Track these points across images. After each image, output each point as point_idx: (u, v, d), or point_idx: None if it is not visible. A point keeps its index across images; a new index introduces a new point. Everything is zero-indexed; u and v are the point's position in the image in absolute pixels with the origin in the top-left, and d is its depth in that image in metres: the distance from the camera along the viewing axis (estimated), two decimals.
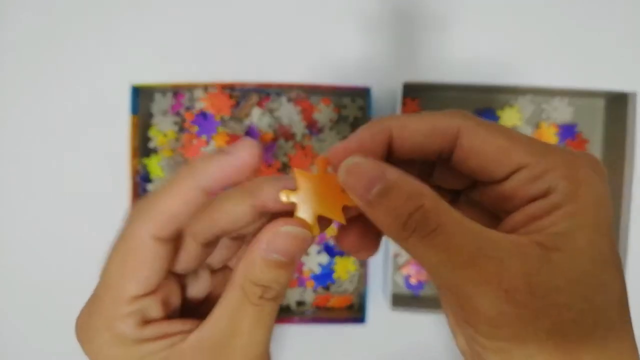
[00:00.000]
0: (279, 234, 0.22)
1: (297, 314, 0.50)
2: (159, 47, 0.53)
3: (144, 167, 0.49)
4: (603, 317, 0.18)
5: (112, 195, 0.51)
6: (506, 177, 0.21)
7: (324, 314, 0.50)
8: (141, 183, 0.49)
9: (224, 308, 0.22)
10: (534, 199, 0.20)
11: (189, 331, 0.23)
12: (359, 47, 0.52)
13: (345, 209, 0.23)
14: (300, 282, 0.51)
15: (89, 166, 0.53)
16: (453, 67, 0.52)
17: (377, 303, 0.51)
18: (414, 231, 0.19)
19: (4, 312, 0.54)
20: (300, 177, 0.22)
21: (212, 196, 0.23)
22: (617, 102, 0.49)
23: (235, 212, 0.22)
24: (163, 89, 0.50)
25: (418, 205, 0.19)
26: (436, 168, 0.25)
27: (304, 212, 0.22)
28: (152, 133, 0.50)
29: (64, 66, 0.53)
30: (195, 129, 0.50)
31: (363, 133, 0.22)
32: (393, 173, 0.20)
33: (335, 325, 0.51)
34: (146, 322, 0.23)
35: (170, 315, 0.24)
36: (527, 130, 0.51)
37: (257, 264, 0.22)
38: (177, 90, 0.51)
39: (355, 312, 0.50)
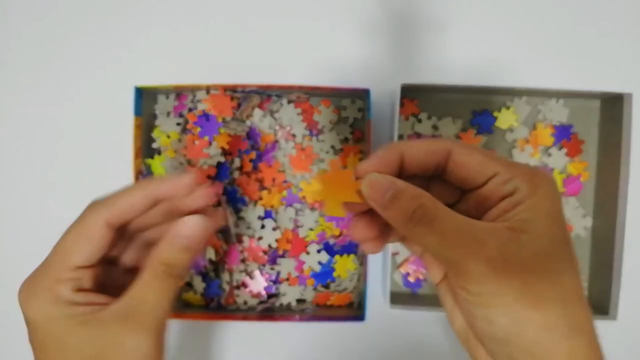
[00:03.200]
0: (184, 222, 0.30)
1: (297, 311, 0.51)
2: (162, 49, 0.54)
3: (148, 167, 0.50)
4: (557, 277, 0.25)
5: None
6: (485, 182, 0.28)
7: (324, 312, 0.50)
8: None
9: (137, 284, 0.29)
10: (504, 197, 0.27)
11: (109, 303, 0.29)
12: (359, 50, 0.53)
13: (348, 204, 0.29)
14: (301, 280, 0.52)
15: (93, 167, 0.54)
16: (450, 69, 0.53)
17: (377, 301, 0.52)
18: (418, 222, 0.25)
19: (9, 311, 0.55)
20: (319, 177, 0.30)
21: (157, 204, 0.32)
22: (612, 103, 0.50)
23: (132, 198, 0.30)
24: (166, 91, 0.51)
25: (419, 203, 0.26)
26: (432, 183, 0.31)
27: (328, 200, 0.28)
28: (155, 134, 0.51)
29: (68, 68, 0.54)
30: (198, 130, 0.51)
31: (382, 153, 0.28)
32: (401, 182, 0.26)
33: (335, 323, 0.51)
34: (79, 290, 0.29)
35: (96, 290, 0.30)
36: (524, 132, 0.52)
37: (166, 246, 0.29)
38: (179, 92, 0.51)
39: (354, 310, 0.51)
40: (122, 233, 0.32)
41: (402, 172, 0.29)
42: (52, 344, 0.28)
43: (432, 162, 0.29)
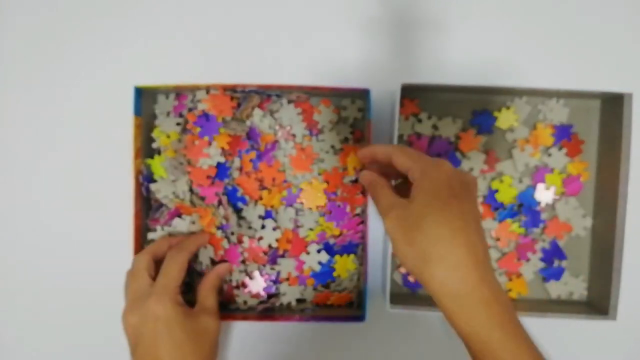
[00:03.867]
0: (220, 266, 0.50)
1: (297, 311, 0.51)
2: (162, 49, 0.54)
3: (148, 167, 0.50)
4: (430, 230, 0.35)
5: (116, 195, 0.52)
6: (407, 172, 0.39)
7: (324, 312, 0.51)
8: (145, 183, 0.50)
9: (201, 295, 0.48)
10: (411, 180, 0.39)
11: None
12: (359, 50, 0.53)
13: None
14: (301, 281, 0.52)
15: (94, 166, 0.54)
16: (450, 69, 0.53)
17: (376, 301, 0.52)
18: (370, 190, 0.42)
19: (10, 311, 0.55)
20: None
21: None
22: (612, 103, 0.50)
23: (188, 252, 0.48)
24: (166, 91, 0.51)
25: (370, 181, 0.42)
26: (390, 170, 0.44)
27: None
28: (155, 134, 0.51)
29: (68, 68, 0.54)
30: (198, 130, 0.50)
31: (369, 149, 0.43)
32: (366, 173, 0.43)
33: (335, 323, 0.51)
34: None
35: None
36: (524, 131, 0.52)
37: (213, 276, 0.49)
38: (179, 92, 0.51)
39: (354, 310, 0.51)
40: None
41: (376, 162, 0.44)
42: (177, 327, 0.43)
43: (386, 160, 0.41)
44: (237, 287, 0.52)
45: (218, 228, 0.51)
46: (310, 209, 0.51)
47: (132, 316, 0.43)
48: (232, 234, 0.51)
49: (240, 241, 0.51)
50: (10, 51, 0.54)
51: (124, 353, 0.44)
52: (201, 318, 0.45)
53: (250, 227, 0.51)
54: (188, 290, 0.51)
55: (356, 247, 0.52)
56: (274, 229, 0.51)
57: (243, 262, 0.52)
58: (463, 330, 0.35)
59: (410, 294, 0.53)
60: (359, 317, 0.48)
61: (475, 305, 0.34)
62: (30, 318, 0.55)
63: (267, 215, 0.51)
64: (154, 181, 0.50)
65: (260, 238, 0.51)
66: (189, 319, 0.44)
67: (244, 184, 0.51)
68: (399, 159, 0.39)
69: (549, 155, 0.52)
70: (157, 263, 0.47)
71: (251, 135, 0.51)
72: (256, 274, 0.52)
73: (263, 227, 0.51)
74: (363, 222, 0.51)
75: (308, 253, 0.51)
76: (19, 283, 0.55)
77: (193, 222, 0.50)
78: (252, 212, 0.51)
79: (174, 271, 0.45)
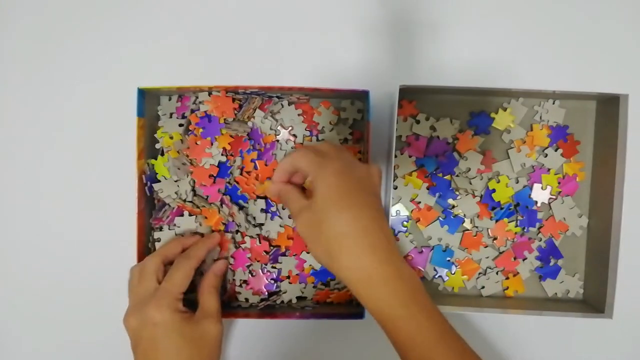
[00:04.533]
0: (218, 265, 0.50)
1: (298, 309, 0.51)
2: (165, 51, 0.54)
3: (151, 167, 0.51)
4: (328, 222, 0.40)
5: (120, 195, 0.52)
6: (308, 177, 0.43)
7: (324, 310, 0.51)
8: (148, 183, 0.50)
9: (203, 299, 0.48)
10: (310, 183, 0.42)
11: (188, 312, 0.46)
12: (358, 52, 0.54)
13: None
14: (301, 278, 0.53)
15: (98, 167, 0.54)
16: (448, 71, 0.53)
17: None
18: (281, 199, 0.45)
19: (11, 311, 0.56)
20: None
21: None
22: (608, 104, 0.50)
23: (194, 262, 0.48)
24: (169, 92, 0.52)
25: (278, 190, 0.45)
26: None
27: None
28: (158, 135, 0.52)
29: (71, 70, 0.54)
30: (200, 130, 0.51)
31: (285, 163, 0.44)
32: (271, 187, 0.46)
33: (335, 320, 0.52)
34: (180, 304, 0.46)
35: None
36: (521, 132, 0.53)
37: (212, 277, 0.49)
38: (182, 94, 0.52)
39: (354, 308, 0.52)
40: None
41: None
42: (174, 333, 0.43)
43: (295, 169, 0.44)
44: (240, 284, 0.53)
45: (225, 228, 0.52)
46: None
47: (133, 319, 0.44)
48: (237, 232, 0.52)
49: (242, 242, 0.52)
50: (13, 52, 0.55)
51: (125, 353, 0.45)
52: (201, 323, 0.45)
53: (255, 220, 0.52)
54: (191, 289, 0.52)
55: None
56: (281, 225, 0.52)
57: (248, 266, 0.53)
58: (372, 311, 0.39)
59: None
60: (359, 315, 0.48)
61: (377, 285, 0.38)
62: (32, 318, 0.56)
63: (268, 205, 0.52)
64: (157, 181, 0.51)
65: (265, 238, 0.52)
66: (188, 325, 0.44)
67: (242, 182, 0.52)
68: (301, 166, 0.43)
69: (545, 155, 0.53)
70: (168, 265, 0.48)
71: (253, 136, 0.52)
72: (258, 271, 0.52)
73: (270, 218, 0.52)
74: None
75: (309, 252, 0.52)
76: (21, 283, 0.55)
77: (200, 224, 0.51)
78: (255, 208, 0.52)
79: (178, 278, 0.46)
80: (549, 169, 0.53)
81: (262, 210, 0.52)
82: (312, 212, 0.40)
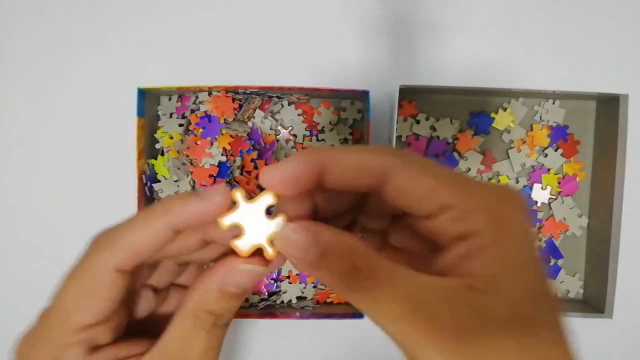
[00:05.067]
0: (237, 270, 0.24)
1: (298, 309, 0.51)
2: (165, 51, 0.54)
3: (151, 168, 0.51)
4: (532, 353, 0.19)
5: (120, 195, 0.52)
6: (432, 215, 0.22)
7: (325, 309, 0.51)
8: (148, 183, 0.50)
9: (175, 332, 0.25)
10: (460, 238, 0.21)
11: (138, 354, 0.25)
12: (358, 52, 0.54)
13: (273, 243, 0.24)
14: (301, 278, 0.53)
15: (97, 168, 0.55)
16: (448, 71, 0.53)
17: None
18: (350, 287, 0.21)
19: (11, 312, 0.56)
20: (242, 199, 0.24)
21: (179, 234, 0.24)
22: (608, 104, 0.50)
23: (147, 232, 0.24)
24: (169, 92, 0.52)
25: (351, 265, 0.21)
26: (371, 199, 0.26)
27: (249, 239, 0.24)
28: (158, 135, 0.52)
29: (71, 70, 0.54)
30: (200, 130, 0.51)
31: (296, 163, 0.22)
32: (326, 236, 0.22)
33: (336, 320, 0.52)
34: (95, 348, 0.24)
35: (118, 337, 0.25)
36: (521, 132, 0.53)
37: (213, 294, 0.24)
38: (182, 93, 0.52)
39: (354, 307, 0.52)
40: (139, 271, 0.26)
41: (323, 186, 0.23)
42: None
43: (362, 183, 0.22)
44: None
45: None
46: None
47: None
48: None
49: None
50: (11, 52, 0.55)
51: None
52: None
53: None
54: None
55: None
56: None
57: None
58: None
59: None
60: (359, 314, 0.48)
61: None
62: (32, 318, 0.55)
63: None
64: (158, 181, 0.51)
65: None
66: None
67: (243, 182, 0.52)
68: (417, 185, 0.21)
69: (545, 155, 0.53)
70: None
71: (253, 135, 0.52)
72: None
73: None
74: None
75: None
76: (21, 283, 0.55)
77: None
78: None
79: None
80: (549, 169, 0.53)
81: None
82: (481, 312, 0.20)
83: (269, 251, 0.24)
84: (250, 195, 0.25)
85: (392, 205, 0.22)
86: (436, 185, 0.21)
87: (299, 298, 0.53)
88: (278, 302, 0.53)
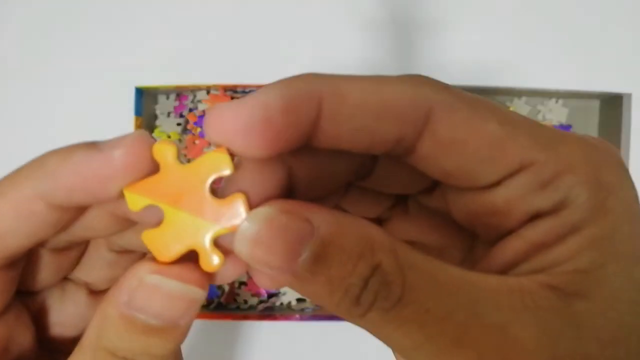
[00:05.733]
0: (143, 286, 0.14)
1: (297, 311, 0.51)
2: (163, 49, 0.53)
3: None
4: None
5: None
6: (497, 183, 0.14)
7: (324, 311, 0.50)
8: None
9: None
10: (539, 215, 0.14)
11: None
12: (358, 51, 0.53)
13: (219, 243, 0.15)
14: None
15: None
16: (450, 69, 0.53)
17: None
18: (372, 305, 0.13)
19: None
20: (172, 159, 0.14)
21: (72, 212, 0.16)
22: (611, 104, 0.50)
23: (8, 210, 0.15)
24: (166, 91, 0.51)
25: (373, 266, 0.13)
26: (378, 163, 0.17)
27: (175, 233, 0.14)
28: (156, 134, 0.51)
29: (67, 68, 0.54)
30: (198, 130, 0.51)
31: (274, 96, 0.14)
32: (326, 223, 0.13)
33: (336, 322, 0.51)
34: None
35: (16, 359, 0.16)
36: None
37: (113, 323, 0.14)
38: (180, 92, 0.52)
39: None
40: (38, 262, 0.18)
41: (312, 142, 0.14)
42: None
43: (386, 135, 0.14)
44: (239, 286, 0.52)
45: None
46: None
47: None
48: None
49: None
50: (6, 50, 0.54)
51: None
52: None
53: None
54: None
55: None
56: None
57: None
58: None
59: None
60: None
61: None
62: None
63: None
64: None
65: None
66: None
67: None
68: (475, 129, 0.14)
69: None
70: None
71: None
72: None
73: None
74: None
75: None
76: None
77: None
78: None
79: None
80: None
81: None
82: (579, 332, 0.13)
83: (212, 259, 0.14)
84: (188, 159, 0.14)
85: (422, 173, 0.15)
86: (505, 132, 0.14)
87: (298, 300, 0.52)
88: (277, 304, 0.52)
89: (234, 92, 0.51)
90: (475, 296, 0.13)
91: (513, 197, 0.14)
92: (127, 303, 0.14)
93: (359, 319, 0.13)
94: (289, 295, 0.52)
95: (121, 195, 0.15)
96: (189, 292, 0.15)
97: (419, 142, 0.14)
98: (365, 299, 0.13)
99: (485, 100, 0.15)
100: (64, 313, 0.18)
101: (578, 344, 0.12)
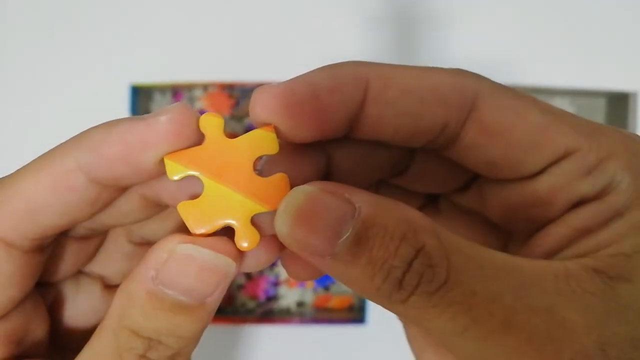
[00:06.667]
0: (175, 257, 0.14)
1: (296, 314, 0.50)
2: (158, 47, 0.53)
3: None
4: None
5: None
6: (542, 171, 0.15)
7: (324, 315, 0.50)
8: None
9: None
10: (583, 201, 0.14)
11: None
12: (359, 47, 0.52)
13: (257, 222, 0.14)
14: (300, 283, 0.51)
15: None
16: (454, 66, 0.52)
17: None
18: (416, 288, 0.12)
19: None
20: (217, 130, 0.14)
21: (110, 191, 0.15)
22: (618, 102, 0.49)
23: (48, 184, 0.14)
24: (162, 89, 0.51)
25: (417, 248, 0.12)
26: (416, 159, 0.17)
27: (212, 205, 0.14)
28: None
29: (63, 66, 0.53)
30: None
31: (322, 76, 0.14)
32: (368, 202, 0.13)
33: (335, 326, 0.51)
34: None
35: (28, 353, 0.16)
36: None
37: (139, 301, 0.13)
38: (176, 90, 0.51)
39: (355, 313, 0.50)
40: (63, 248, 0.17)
41: (355, 131, 0.15)
42: None
43: (432, 120, 0.15)
44: (238, 289, 0.51)
45: None
46: None
47: None
48: None
49: None
50: (2, 47, 0.53)
51: None
52: None
53: None
54: None
55: None
56: None
57: None
58: None
59: None
60: (360, 320, 0.47)
61: None
62: None
63: None
64: None
65: None
66: None
67: None
68: (521, 116, 0.15)
69: None
70: None
71: None
72: (256, 275, 0.51)
73: None
74: None
75: None
76: None
77: None
78: None
79: None
80: None
81: None
82: (625, 315, 0.13)
83: (249, 236, 0.14)
84: (232, 134, 0.14)
85: (462, 167, 0.15)
86: (549, 121, 0.14)
87: (298, 304, 0.52)
88: (276, 307, 0.51)
89: (231, 90, 0.50)
90: (521, 280, 0.13)
91: (558, 184, 0.14)
92: (155, 278, 0.14)
93: (400, 305, 0.13)
94: (288, 299, 0.51)
95: (161, 165, 0.14)
96: (224, 264, 0.14)
97: (463, 130, 0.15)
98: (409, 282, 0.12)
99: (520, 91, 0.15)
100: (77, 307, 0.17)
101: (624, 327, 0.12)
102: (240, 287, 0.51)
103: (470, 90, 0.15)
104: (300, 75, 0.15)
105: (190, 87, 0.50)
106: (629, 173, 0.14)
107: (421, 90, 0.14)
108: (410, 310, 0.13)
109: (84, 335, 0.17)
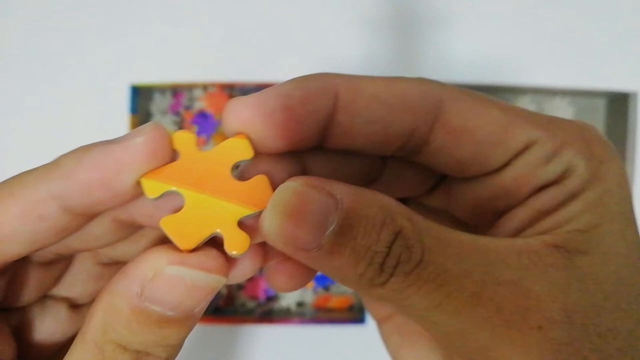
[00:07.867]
0: (162, 277, 0.13)
1: (296, 314, 0.50)
2: (158, 47, 0.53)
3: None
4: None
5: None
6: (505, 164, 0.16)
7: (324, 315, 0.50)
8: None
9: None
10: (544, 187, 0.16)
11: None
12: (359, 47, 0.52)
13: (243, 224, 0.14)
14: None
15: None
16: (453, 67, 0.52)
17: None
18: (395, 269, 0.13)
19: None
20: (191, 146, 0.15)
21: (82, 218, 0.15)
22: (618, 102, 0.49)
23: (16, 213, 0.14)
24: (162, 89, 0.51)
25: (396, 232, 0.13)
26: (387, 167, 0.18)
27: (196, 219, 0.14)
28: None
29: (62, 66, 0.53)
30: (195, 128, 0.50)
31: (294, 87, 0.15)
32: (348, 193, 0.13)
33: (335, 326, 0.51)
34: None
35: None
36: None
37: (124, 316, 0.13)
38: (176, 90, 0.51)
39: (355, 313, 0.50)
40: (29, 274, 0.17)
41: (328, 140, 0.15)
42: None
43: (400, 127, 0.15)
44: (237, 289, 0.51)
45: None
46: None
47: None
48: None
49: None
50: (1, 47, 0.53)
51: None
52: None
53: None
54: None
55: None
56: None
57: None
58: None
59: None
60: (360, 320, 0.47)
61: None
62: None
63: None
64: None
65: None
66: None
67: None
68: (483, 116, 0.16)
69: None
70: None
71: None
72: (255, 276, 0.51)
73: None
74: None
75: None
76: None
77: None
78: None
79: None
80: None
81: None
82: (582, 284, 0.14)
83: (239, 240, 0.14)
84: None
85: (431, 170, 0.16)
86: (510, 118, 0.15)
87: (297, 304, 0.51)
88: (276, 307, 0.51)
89: (231, 90, 0.50)
90: (487, 257, 0.14)
91: (521, 174, 0.16)
92: (141, 294, 0.13)
93: (380, 288, 0.14)
94: (288, 299, 0.51)
95: (137, 187, 0.14)
96: (213, 281, 0.14)
97: (432, 134, 0.16)
98: (389, 264, 0.13)
99: (481, 93, 0.16)
100: (44, 329, 0.17)
101: (585, 295, 0.14)
102: (240, 287, 0.51)
103: (435, 96, 0.16)
104: (273, 87, 0.15)
105: (190, 87, 0.50)
106: (583, 158, 0.15)
107: (389, 98, 0.15)
108: (389, 292, 0.14)
109: (53, 354, 0.18)
